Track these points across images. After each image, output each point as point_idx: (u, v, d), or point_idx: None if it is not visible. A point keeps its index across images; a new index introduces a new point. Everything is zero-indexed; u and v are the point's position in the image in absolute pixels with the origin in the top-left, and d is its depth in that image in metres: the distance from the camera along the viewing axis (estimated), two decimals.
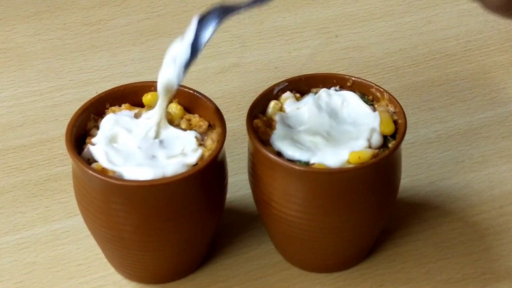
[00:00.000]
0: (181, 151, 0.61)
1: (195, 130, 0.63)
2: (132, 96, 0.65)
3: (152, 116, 0.62)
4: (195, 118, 0.64)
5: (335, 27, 0.93)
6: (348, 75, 0.67)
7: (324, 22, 0.93)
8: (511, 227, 0.71)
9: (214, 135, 0.63)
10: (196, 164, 0.60)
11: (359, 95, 0.66)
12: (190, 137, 0.62)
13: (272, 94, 0.66)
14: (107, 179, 0.58)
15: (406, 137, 0.63)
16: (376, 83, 0.66)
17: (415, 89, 0.85)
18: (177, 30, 0.92)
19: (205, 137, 0.63)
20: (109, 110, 0.65)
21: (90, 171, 0.59)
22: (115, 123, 0.63)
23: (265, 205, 0.64)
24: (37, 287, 0.67)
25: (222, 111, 0.64)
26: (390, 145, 0.62)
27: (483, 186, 0.74)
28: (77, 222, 0.69)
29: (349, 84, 0.67)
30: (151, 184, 0.58)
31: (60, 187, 0.74)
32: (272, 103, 0.65)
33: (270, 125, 0.64)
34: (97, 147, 0.61)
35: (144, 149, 0.61)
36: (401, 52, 0.89)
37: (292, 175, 0.60)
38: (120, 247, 0.62)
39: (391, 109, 0.65)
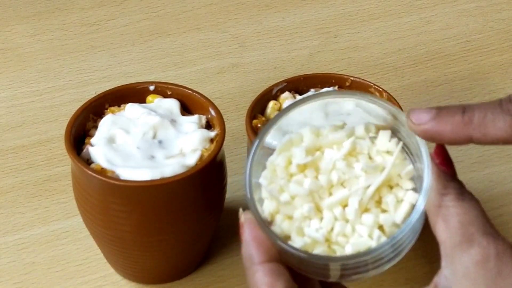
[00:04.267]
0: (180, 152, 0.61)
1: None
2: (131, 96, 0.65)
3: None
4: None
5: (334, 27, 0.93)
6: (347, 75, 0.67)
7: (323, 22, 0.93)
8: (510, 227, 0.71)
9: (213, 136, 0.63)
10: (195, 164, 0.60)
11: None
12: (189, 137, 0.62)
13: (271, 94, 0.66)
14: (106, 179, 0.58)
15: None
16: (375, 83, 0.66)
17: (414, 89, 0.85)
18: (176, 31, 0.92)
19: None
20: (108, 110, 0.65)
21: (89, 172, 0.59)
22: (113, 123, 0.63)
23: None
24: (37, 287, 0.67)
25: (221, 111, 0.64)
26: None
27: (482, 186, 0.74)
28: (76, 222, 0.69)
29: (348, 84, 0.67)
30: (150, 185, 0.58)
31: (59, 188, 0.74)
32: (271, 103, 0.65)
33: None
34: (96, 147, 0.61)
35: (143, 149, 0.61)
36: (400, 52, 0.89)
37: None
38: (119, 247, 0.62)
39: None
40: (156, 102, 0.65)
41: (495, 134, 0.44)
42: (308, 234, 0.45)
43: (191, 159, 0.61)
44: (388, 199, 0.45)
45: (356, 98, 0.48)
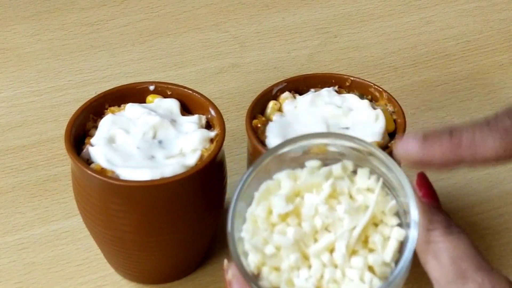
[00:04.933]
0: (180, 152, 0.61)
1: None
2: (131, 96, 0.65)
3: None
4: None
5: (334, 27, 0.93)
6: (347, 75, 0.67)
7: (323, 22, 0.93)
8: (510, 226, 0.71)
9: (213, 136, 0.63)
10: (195, 164, 0.60)
11: (358, 95, 0.66)
12: (189, 137, 0.62)
13: (271, 94, 0.66)
14: (106, 179, 0.58)
15: None
16: (375, 83, 0.66)
17: (414, 89, 0.85)
18: (176, 31, 0.92)
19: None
20: (108, 110, 0.65)
21: (89, 172, 0.59)
22: (113, 123, 0.63)
23: None
24: (37, 287, 0.67)
25: (221, 111, 0.64)
26: (389, 144, 0.62)
27: (482, 186, 0.74)
28: (76, 222, 0.69)
29: (348, 83, 0.67)
30: (150, 185, 0.58)
31: (59, 188, 0.74)
32: (271, 103, 0.65)
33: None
34: (96, 147, 0.61)
35: (143, 149, 0.61)
36: (400, 52, 0.89)
37: None
38: (119, 247, 0.62)
39: (390, 108, 0.65)
40: (156, 102, 0.65)
41: (486, 154, 0.43)
42: (298, 285, 0.44)
43: (191, 159, 0.61)
44: (375, 238, 0.44)
45: (330, 139, 0.46)
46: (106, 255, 0.66)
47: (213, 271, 0.67)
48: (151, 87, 0.66)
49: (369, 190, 0.45)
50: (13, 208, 0.73)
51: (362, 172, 0.46)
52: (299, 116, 0.64)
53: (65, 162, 0.75)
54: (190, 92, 0.66)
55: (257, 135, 0.63)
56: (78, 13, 0.94)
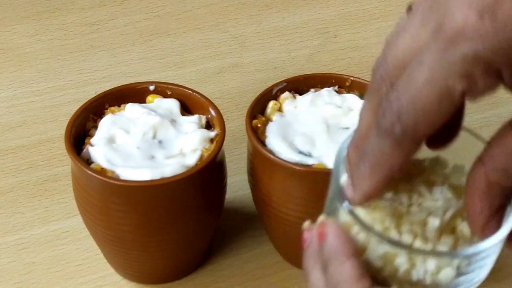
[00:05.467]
0: (180, 152, 0.61)
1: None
2: (131, 96, 0.65)
3: None
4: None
5: (334, 27, 0.93)
6: (347, 75, 0.67)
7: (323, 22, 0.93)
8: None
9: (213, 136, 0.63)
10: (195, 164, 0.60)
11: (358, 95, 0.66)
12: (189, 137, 0.62)
13: (271, 94, 0.66)
14: (106, 179, 0.58)
15: None
16: None
17: None
18: (176, 31, 0.92)
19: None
20: (108, 110, 0.65)
21: (89, 172, 0.59)
22: (113, 123, 0.63)
23: (264, 205, 0.64)
24: (37, 287, 0.67)
25: (221, 111, 0.64)
26: None
27: None
28: (76, 222, 0.69)
29: (347, 84, 0.67)
30: (150, 185, 0.58)
31: (59, 188, 0.74)
32: (271, 103, 0.65)
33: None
34: (96, 147, 0.61)
35: (143, 149, 0.61)
36: None
37: (291, 175, 0.60)
38: (119, 247, 0.62)
39: None
40: (156, 102, 0.65)
41: None
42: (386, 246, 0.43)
43: (191, 159, 0.61)
44: (463, 227, 0.44)
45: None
46: (106, 255, 0.66)
47: (213, 271, 0.67)
48: (151, 87, 0.66)
49: (461, 187, 0.46)
50: (13, 208, 0.73)
51: (458, 169, 0.46)
52: (299, 116, 0.64)
53: (65, 162, 0.75)
54: (190, 92, 0.66)
55: (257, 135, 0.63)
56: (78, 13, 0.94)
